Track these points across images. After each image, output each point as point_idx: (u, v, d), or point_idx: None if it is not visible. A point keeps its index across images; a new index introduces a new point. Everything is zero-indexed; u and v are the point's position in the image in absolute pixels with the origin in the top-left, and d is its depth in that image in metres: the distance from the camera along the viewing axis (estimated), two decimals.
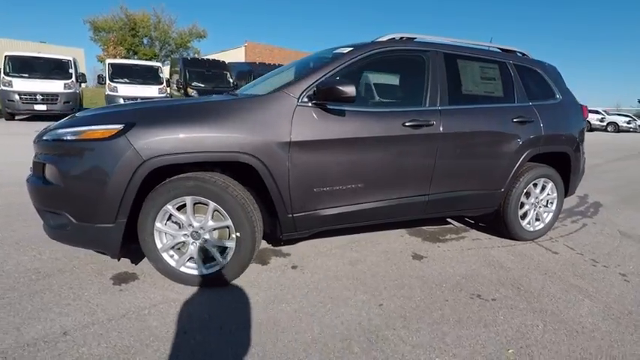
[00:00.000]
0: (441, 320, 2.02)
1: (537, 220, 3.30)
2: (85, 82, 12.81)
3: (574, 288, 2.46)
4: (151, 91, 12.12)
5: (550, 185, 3.26)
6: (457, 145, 2.69)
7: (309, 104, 2.26)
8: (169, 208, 2.10)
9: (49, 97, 11.07)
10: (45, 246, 2.68)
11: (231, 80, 14.21)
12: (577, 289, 2.44)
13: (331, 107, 2.30)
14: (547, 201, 3.30)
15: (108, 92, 11.63)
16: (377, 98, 2.85)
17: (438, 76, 2.69)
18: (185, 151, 1.99)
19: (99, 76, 12.39)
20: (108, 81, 11.73)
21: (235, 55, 31.49)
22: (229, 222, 2.11)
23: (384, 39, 2.68)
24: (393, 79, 2.68)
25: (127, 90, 11.72)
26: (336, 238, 3.07)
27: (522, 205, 3.16)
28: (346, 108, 2.35)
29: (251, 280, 2.34)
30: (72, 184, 1.94)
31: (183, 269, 2.20)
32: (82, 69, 12.09)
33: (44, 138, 2.07)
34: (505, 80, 3.05)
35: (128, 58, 27.70)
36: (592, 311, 2.18)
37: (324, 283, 2.36)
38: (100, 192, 1.93)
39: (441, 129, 2.61)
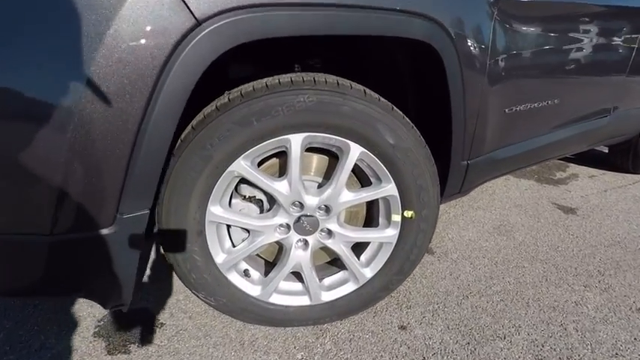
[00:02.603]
0: None
1: None
2: None
3: None
4: None
5: None
6: None
7: None
8: (245, 166, 0.82)
9: None
10: None
11: None
12: None
13: None
14: None
15: None
16: None
17: None
18: (296, 1, 0.69)
19: None
20: None
21: None
22: (390, 187, 0.91)
23: None
24: None
25: None
26: None
27: None
28: None
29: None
30: None
31: (275, 300, 0.99)
32: None
33: None
34: None
35: None
36: None
37: (508, 276, 1.34)
38: (54, 138, 0.59)
39: None
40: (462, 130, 1.05)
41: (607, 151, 2.57)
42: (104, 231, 0.66)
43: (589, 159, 2.74)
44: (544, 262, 1.45)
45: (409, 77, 1.05)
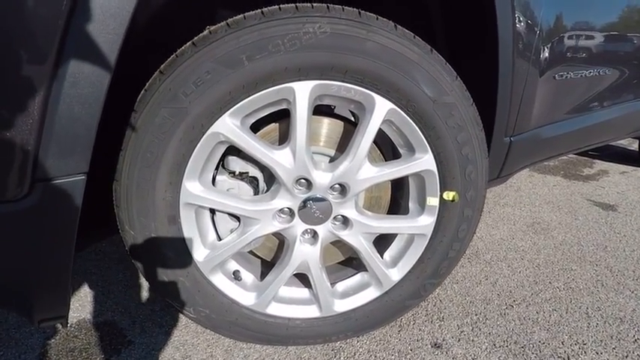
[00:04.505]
0: None
1: None
2: None
3: None
4: None
5: None
6: None
7: None
8: (233, 127, 0.61)
9: None
10: None
11: None
12: None
13: None
14: None
15: None
16: None
17: None
18: None
19: None
20: None
21: None
22: (426, 160, 0.69)
23: None
24: None
25: None
26: None
27: None
28: None
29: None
30: None
31: (274, 310, 0.76)
32: None
33: None
34: None
35: None
36: None
37: (556, 280, 1.11)
38: None
39: None
40: (509, 93, 0.83)
41: (637, 146, 2.37)
42: (14, 204, 0.44)
43: (614, 155, 2.53)
44: (594, 265, 1.22)
45: (439, 20, 0.84)
